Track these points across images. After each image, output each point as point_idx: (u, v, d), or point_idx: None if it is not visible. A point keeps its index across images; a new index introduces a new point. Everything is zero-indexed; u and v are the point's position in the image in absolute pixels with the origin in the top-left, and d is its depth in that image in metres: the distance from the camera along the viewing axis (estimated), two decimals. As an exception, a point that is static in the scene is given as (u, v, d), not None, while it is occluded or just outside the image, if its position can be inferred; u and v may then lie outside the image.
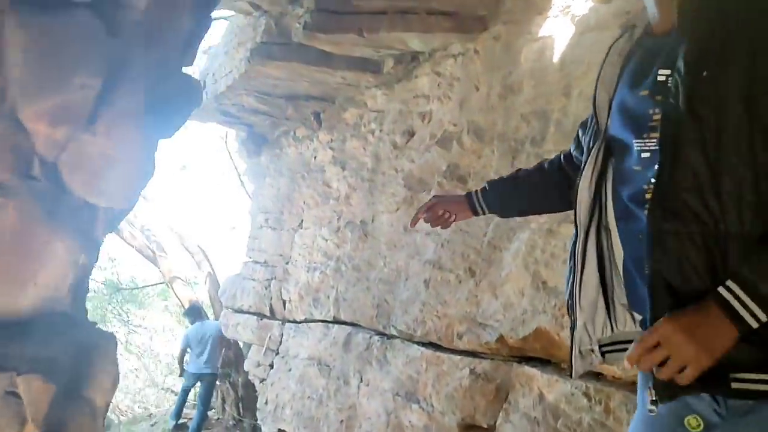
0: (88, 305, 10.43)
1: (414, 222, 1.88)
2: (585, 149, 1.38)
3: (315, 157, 5.46)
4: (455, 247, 3.33)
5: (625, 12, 2.64)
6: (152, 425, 8.82)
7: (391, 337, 3.84)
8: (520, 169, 1.87)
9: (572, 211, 1.34)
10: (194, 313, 8.31)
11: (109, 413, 10.20)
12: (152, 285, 11.59)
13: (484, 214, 1.83)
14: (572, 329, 1.31)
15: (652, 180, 1.09)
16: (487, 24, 3.51)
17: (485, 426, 2.90)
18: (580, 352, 1.30)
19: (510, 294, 2.80)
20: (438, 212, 1.83)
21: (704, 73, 1.03)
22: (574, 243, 1.32)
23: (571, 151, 1.65)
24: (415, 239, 3.77)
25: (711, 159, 1.02)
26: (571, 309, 1.31)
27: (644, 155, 1.15)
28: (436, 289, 3.39)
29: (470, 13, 3.55)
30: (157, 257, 9.54)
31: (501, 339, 2.81)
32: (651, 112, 1.13)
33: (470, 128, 3.50)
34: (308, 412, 4.63)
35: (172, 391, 11.42)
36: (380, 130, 4.51)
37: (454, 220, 1.85)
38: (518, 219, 2.84)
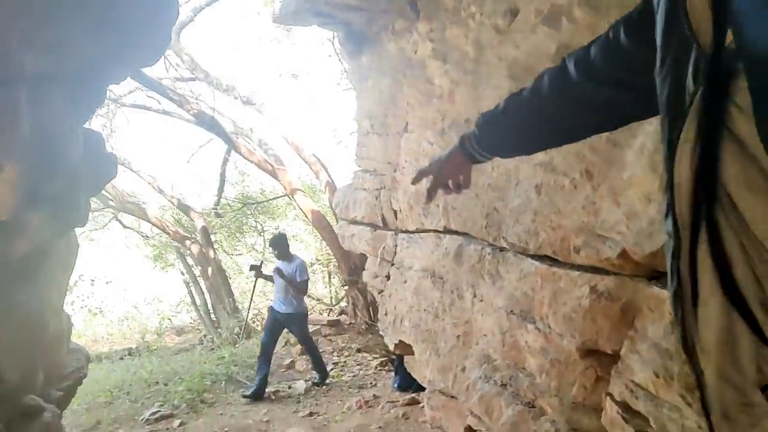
0: (223, 220, 10.80)
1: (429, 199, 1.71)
2: (660, 85, 0.86)
3: (416, 52, 4.97)
4: (569, 146, 2.81)
5: None
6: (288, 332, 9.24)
7: (503, 249, 3.46)
8: (518, 92, 1.43)
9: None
10: (277, 244, 7.30)
11: (252, 321, 10.91)
12: (277, 198, 11.89)
13: (488, 160, 1.59)
14: (700, 388, 0.83)
15: None
16: None
17: (609, 352, 2.51)
18: (725, 416, 0.79)
19: (634, 201, 2.29)
20: (441, 184, 1.63)
21: None
22: (674, 254, 0.83)
23: (592, 57, 1.18)
24: (524, 138, 3.27)
25: None
26: (688, 354, 0.84)
27: None
28: (549, 196, 2.93)
29: None
30: (277, 170, 9.65)
31: (624, 254, 2.34)
32: None
33: (583, -3, 2.87)
34: (425, 325, 4.45)
35: (309, 296, 11.94)
36: (481, 13, 3.92)
37: (465, 184, 1.62)
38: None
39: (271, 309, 7.34)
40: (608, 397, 2.42)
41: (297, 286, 7.00)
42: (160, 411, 6.46)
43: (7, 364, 2.64)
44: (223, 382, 7.46)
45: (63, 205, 3.17)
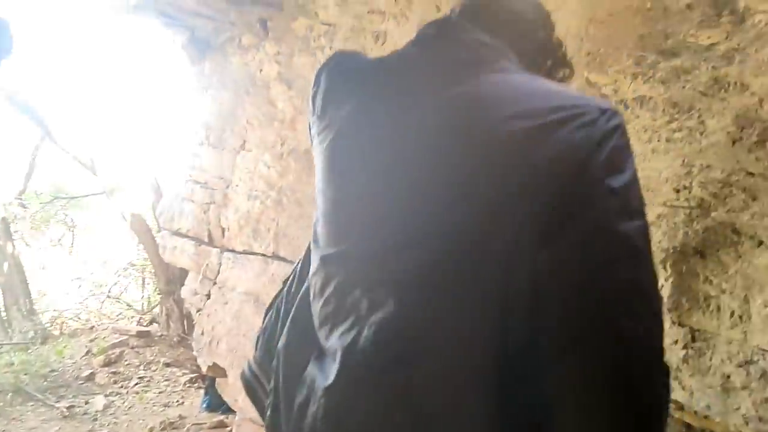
0: (29, 212, 9.75)
1: None
2: None
3: (261, 71, 4.91)
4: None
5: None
6: (91, 340, 8.54)
7: (329, 284, 3.51)
8: None
9: None
10: None
11: (50, 325, 9.95)
12: (89, 195, 11.00)
13: None
14: None
15: None
16: (454, -68, 2.97)
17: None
18: None
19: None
20: None
21: None
22: None
23: None
24: (360, 179, 3.37)
25: None
26: None
27: None
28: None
29: None
30: (96, 166, 8.96)
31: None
32: None
33: (427, 57, 3.03)
34: (243, 351, 4.36)
35: (119, 300, 11.17)
36: (330, 48, 3.99)
37: None
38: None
39: None
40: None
41: None
42: None
43: None
44: (10, 394, 6.69)
45: None
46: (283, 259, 4.15)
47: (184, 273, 7.54)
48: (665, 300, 1.68)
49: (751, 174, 1.55)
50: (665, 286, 1.69)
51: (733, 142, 1.59)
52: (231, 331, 4.57)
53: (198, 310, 5.29)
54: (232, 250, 4.91)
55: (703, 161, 1.67)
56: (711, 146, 1.65)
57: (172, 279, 8.41)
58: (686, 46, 1.78)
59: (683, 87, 1.76)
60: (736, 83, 1.63)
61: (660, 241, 1.72)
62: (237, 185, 4.92)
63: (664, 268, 1.69)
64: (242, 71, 5.18)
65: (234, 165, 5.03)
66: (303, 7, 4.30)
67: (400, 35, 3.31)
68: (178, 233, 5.80)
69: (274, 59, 4.69)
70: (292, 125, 4.28)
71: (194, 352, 5.39)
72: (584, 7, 2.12)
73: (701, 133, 1.69)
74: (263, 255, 4.43)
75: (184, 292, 5.68)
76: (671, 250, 1.68)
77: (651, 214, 1.77)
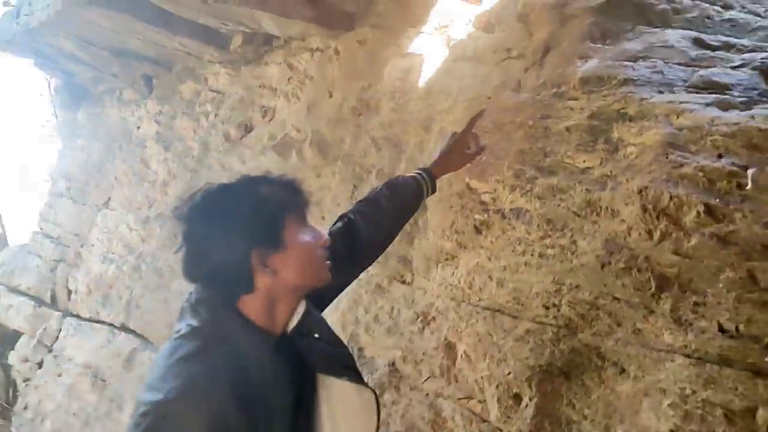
0: None
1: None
2: None
3: (138, 128, 4.65)
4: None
5: (505, 48, 2.26)
6: None
7: (179, 366, 3.21)
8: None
9: None
10: None
11: None
12: None
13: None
14: None
15: None
16: (353, 23, 3.00)
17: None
18: None
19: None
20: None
21: None
22: None
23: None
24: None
25: None
26: None
27: None
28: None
29: (337, 7, 3.02)
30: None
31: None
32: None
33: (314, 139, 2.97)
34: (70, 432, 3.86)
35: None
36: (215, 115, 3.86)
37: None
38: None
39: None
40: None
41: None
42: None
43: None
44: None
45: None
46: (132, 332, 3.79)
47: (17, 335, 6.74)
48: (528, 421, 1.62)
49: (617, 299, 1.57)
50: (529, 405, 1.64)
51: (602, 266, 1.62)
52: (60, 407, 4.05)
53: (25, 380, 4.69)
54: (77, 316, 4.44)
55: (572, 281, 1.68)
56: (581, 267, 1.67)
57: (2, 341, 7.49)
58: (563, 167, 1.83)
59: (558, 205, 1.79)
60: (607, 208, 1.67)
61: (527, 358, 1.68)
62: (93, 245, 4.51)
63: (530, 386, 1.65)
64: (118, 125, 4.89)
65: (93, 222, 4.64)
66: (193, 71, 4.17)
67: (288, 113, 3.25)
68: (16, 290, 5.19)
69: (154, 118, 4.47)
70: (164, 188, 4.02)
71: (12, 429, 4.72)
72: (470, 115, 2.16)
73: (572, 253, 1.71)
74: (110, 325, 4.03)
75: (13, 357, 5.05)
76: (537, 369, 1.65)
77: (520, 329, 1.75)
